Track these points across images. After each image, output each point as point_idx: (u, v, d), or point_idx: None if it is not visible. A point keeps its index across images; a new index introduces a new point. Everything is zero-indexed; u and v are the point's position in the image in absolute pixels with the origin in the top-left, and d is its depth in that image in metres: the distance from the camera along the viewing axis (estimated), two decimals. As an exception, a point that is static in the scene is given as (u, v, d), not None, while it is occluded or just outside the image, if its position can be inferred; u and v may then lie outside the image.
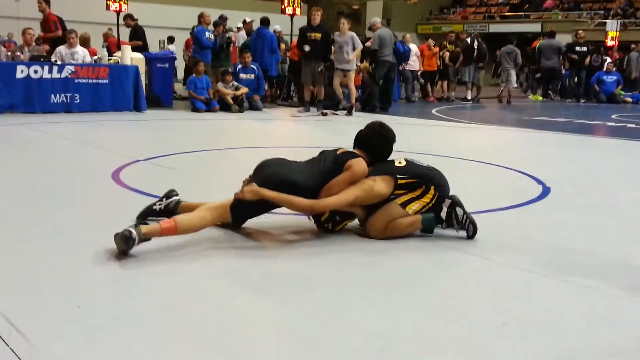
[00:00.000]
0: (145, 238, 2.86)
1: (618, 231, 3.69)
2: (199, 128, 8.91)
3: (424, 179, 3.32)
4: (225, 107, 10.74)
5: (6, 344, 2.00)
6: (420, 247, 3.24)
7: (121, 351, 2.00)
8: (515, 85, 16.51)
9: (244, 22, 14.16)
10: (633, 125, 10.59)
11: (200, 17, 11.73)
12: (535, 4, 31.46)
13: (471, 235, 3.32)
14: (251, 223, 3.42)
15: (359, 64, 12.11)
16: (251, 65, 11.54)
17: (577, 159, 6.95)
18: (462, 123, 10.58)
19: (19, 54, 9.38)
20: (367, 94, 12.33)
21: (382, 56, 11.50)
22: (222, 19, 12.42)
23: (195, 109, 10.64)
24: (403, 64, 13.84)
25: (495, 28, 29.25)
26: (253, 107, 11.23)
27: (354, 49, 10.77)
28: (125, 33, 13.49)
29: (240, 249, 3.12)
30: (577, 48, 16.38)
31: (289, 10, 15.05)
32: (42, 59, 9.41)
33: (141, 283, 2.63)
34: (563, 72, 17.04)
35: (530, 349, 2.10)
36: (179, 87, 13.69)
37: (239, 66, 11.62)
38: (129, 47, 10.78)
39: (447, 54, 15.61)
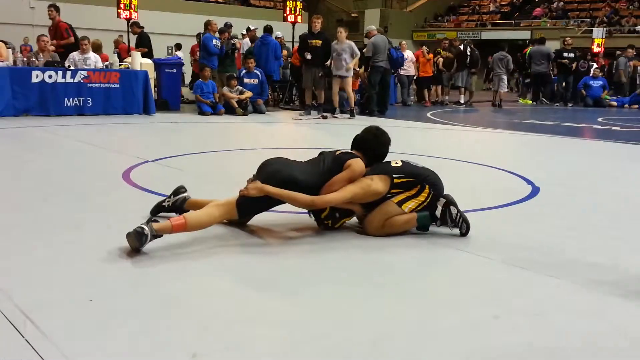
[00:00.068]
0: (157, 235, 2.87)
1: (605, 229, 3.68)
2: (205, 130, 8.91)
3: (419, 179, 3.33)
4: (230, 110, 10.75)
5: (21, 335, 2.00)
6: (416, 244, 3.24)
7: (131, 343, 2.00)
8: (506, 89, 16.51)
9: (248, 29, 14.17)
10: (618, 128, 10.59)
11: (207, 24, 11.72)
12: (525, 12, 31.45)
13: (464, 233, 3.33)
14: (255, 221, 3.42)
15: (358, 69, 12.13)
16: (255, 71, 11.55)
17: (565, 160, 6.94)
18: (455, 126, 10.58)
19: (34, 59, 9.38)
20: (365, 98, 12.36)
21: (376, 62, 11.54)
22: (227, 27, 12.43)
23: (201, 112, 10.64)
24: (398, 69, 13.85)
25: (487, 35, 29.23)
26: (257, 110, 11.23)
27: (352, 56, 10.76)
28: (133, 40, 13.50)
29: (245, 246, 3.12)
30: (565, 54, 16.41)
31: (290, 18, 15.05)
32: (56, 65, 9.41)
33: (151, 278, 2.62)
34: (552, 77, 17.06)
35: (520, 341, 2.10)
36: (186, 92, 13.68)
37: (243, 71, 11.63)
38: (139, 53, 10.77)
39: (441, 60, 15.61)
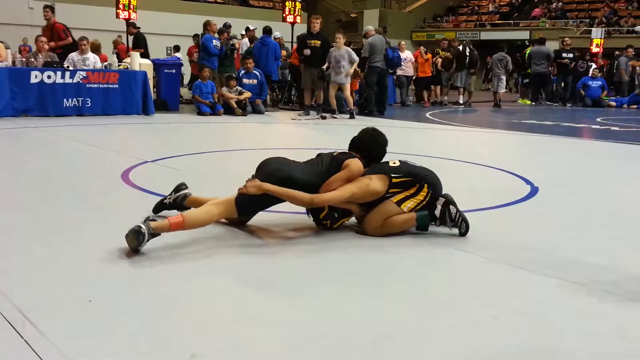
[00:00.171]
0: (154, 233, 2.86)
1: (604, 229, 3.68)
2: (204, 131, 8.91)
3: (417, 178, 3.33)
4: (229, 110, 10.74)
5: (20, 335, 2.00)
6: (415, 243, 3.24)
7: (131, 343, 2.00)
8: (505, 90, 16.53)
9: (247, 29, 14.17)
10: (617, 128, 10.60)
11: (207, 25, 11.71)
12: (524, 13, 31.47)
13: (463, 233, 3.33)
14: (254, 221, 3.42)
15: (358, 68, 12.12)
16: (254, 71, 11.55)
17: (564, 159, 6.95)
18: (454, 126, 10.58)
19: (33, 60, 9.37)
20: (364, 99, 12.36)
21: (372, 62, 11.54)
22: (226, 27, 12.43)
23: (200, 113, 10.63)
24: (395, 69, 13.84)
25: (486, 35, 29.26)
26: (256, 110, 11.24)
27: (350, 63, 10.74)
28: (131, 40, 13.48)
29: (244, 246, 3.12)
30: (564, 54, 16.41)
31: (289, 19, 15.06)
32: (55, 65, 9.40)
33: (150, 279, 2.62)
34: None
35: (520, 341, 2.10)
36: (185, 92, 13.68)
37: (242, 72, 11.63)
38: (138, 53, 10.76)
39: (440, 60, 15.62)
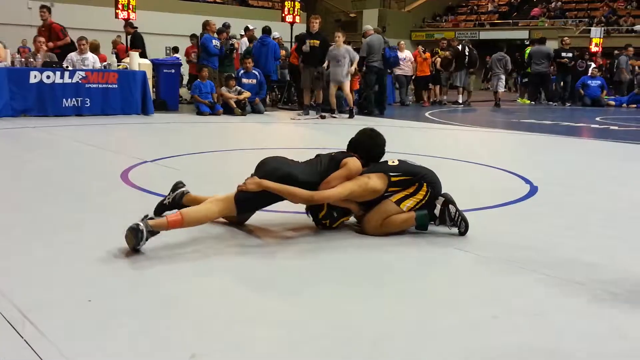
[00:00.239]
0: (153, 231, 2.86)
1: (603, 228, 3.68)
2: (203, 131, 8.91)
3: (416, 177, 3.33)
4: (228, 110, 10.74)
5: (20, 335, 2.00)
6: (414, 242, 3.24)
7: (131, 343, 2.00)
8: (504, 89, 16.54)
9: (247, 29, 14.16)
10: (616, 127, 10.61)
11: (206, 25, 11.71)
12: (523, 12, 31.48)
13: (463, 232, 3.33)
14: (253, 220, 3.43)
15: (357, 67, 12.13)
16: (253, 71, 11.56)
17: (563, 159, 6.95)
18: (453, 125, 10.59)
19: (32, 60, 9.36)
20: (363, 98, 12.36)
21: (370, 62, 11.53)
22: (226, 27, 12.43)
23: (200, 113, 10.63)
24: (393, 69, 13.83)
25: (485, 35, 29.28)
26: (255, 110, 11.24)
27: (350, 61, 10.74)
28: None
29: (244, 246, 3.11)
30: (563, 54, 16.41)
31: (289, 18, 15.06)
32: (54, 65, 9.40)
33: (150, 279, 2.62)
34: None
35: (520, 341, 2.10)
36: (184, 92, 13.69)
37: (241, 71, 11.63)
38: (137, 53, 10.75)
39: (439, 59, 15.62)
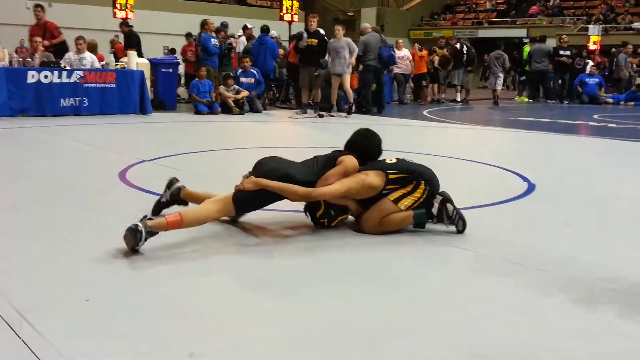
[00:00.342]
0: (152, 231, 2.85)
1: (601, 226, 3.69)
2: (201, 130, 8.90)
3: (414, 175, 3.33)
4: (226, 109, 10.73)
5: (18, 335, 2.00)
6: (412, 241, 3.24)
7: (129, 343, 2.00)
8: (502, 87, 16.55)
9: (245, 27, 14.15)
10: (614, 125, 10.61)
11: (204, 24, 11.69)
12: (521, 10, 31.48)
13: (461, 230, 3.33)
14: (251, 219, 3.42)
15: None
16: (251, 70, 11.54)
17: (561, 157, 6.95)
18: (452, 123, 10.59)
19: (29, 59, 9.35)
20: (362, 97, 12.35)
21: (366, 61, 11.52)
22: (224, 26, 12.42)
23: (198, 112, 10.62)
24: (390, 67, 13.82)
25: (483, 33, 29.26)
26: (253, 109, 11.24)
27: (350, 53, 10.77)
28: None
29: (242, 246, 3.11)
30: (561, 52, 16.41)
31: (287, 17, 15.05)
32: (51, 65, 9.39)
33: (147, 278, 2.62)
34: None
35: (519, 340, 2.10)
36: (182, 91, 13.68)
37: (239, 70, 11.62)
38: (134, 53, 10.73)
39: (437, 58, 15.62)
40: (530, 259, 2.94)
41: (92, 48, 10.85)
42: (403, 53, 14.74)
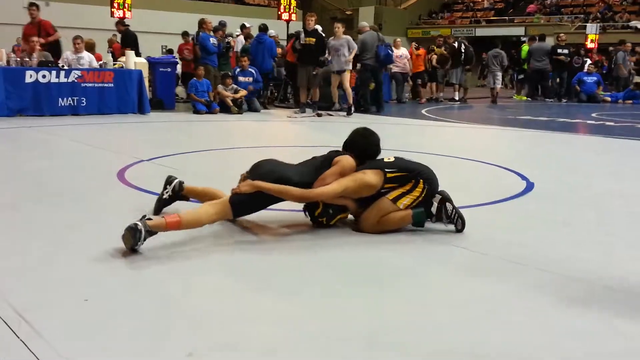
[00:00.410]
0: (151, 231, 2.85)
1: (600, 224, 3.69)
2: (200, 129, 8.90)
3: (412, 173, 3.33)
4: (225, 109, 10.73)
5: (16, 335, 2.00)
6: (411, 240, 3.24)
7: (126, 343, 2.00)
8: (500, 86, 16.56)
9: (243, 26, 14.14)
10: (612, 123, 10.62)
11: (202, 23, 11.68)
12: (519, 9, 31.50)
13: (460, 229, 3.33)
14: (250, 218, 3.42)
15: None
16: (249, 69, 11.54)
17: (559, 155, 6.96)
18: (450, 122, 10.59)
19: (27, 59, 9.33)
20: (360, 96, 12.35)
21: (363, 60, 11.51)
22: (222, 25, 12.40)
23: (196, 111, 10.62)
24: (391, 66, 13.80)
25: (481, 32, 29.28)
26: (251, 108, 11.24)
27: (349, 50, 10.76)
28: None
29: (241, 244, 3.11)
30: (559, 50, 16.43)
31: (285, 16, 15.04)
32: (49, 64, 9.37)
33: (146, 278, 2.62)
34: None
35: (518, 338, 2.10)
36: (180, 91, 13.67)
37: (237, 70, 11.61)
38: (132, 52, 10.72)
39: (435, 56, 15.62)
40: (530, 258, 2.94)
41: (90, 47, 10.84)
42: (401, 52, 14.73)
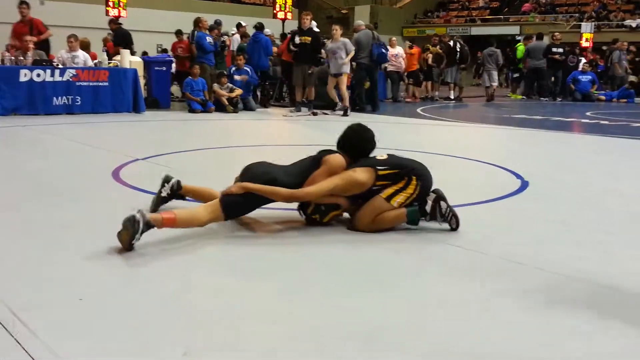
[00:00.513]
0: (149, 223, 2.85)
1: (595, 223, 3.70)
2: (195, 128, 8.88)
3: (404, 170, 3.31)
4: (220, 107, 10.72)
5: (10, 334, 1.99)
6: (405, 239, 3.24)
7: (122, 341, 1.99)
8: (496, 84, 16.59)
9: (239, 25, 14.12)
10: (606, 122, 10.65)
11: (197, 22, 11.64)
12: (514, 8, 31.56)
13: (454, 228, 3.33)
14: (247, 216, 3.41)
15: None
16: (244, 67, 11.52)
17: (554, 154, 6.98)
18: (445, 121, 10.60)
19: (21, 58, 9.30)
20: (356, 95, 12.34)
21: (358, 59, 11.49)
22: (217, 24, 12.39)
23: (191, 110, 10.60)
24: (387, 65, 13.80)
25: (476, 31, 29.34)
26: (247, 107, 11.23)
27: (346, 53, 10.74)
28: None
29: (238, 243, 3.11)
30: (554, 49, 16.46)
31: (280, 15, 15.03)
32: (44, 63, 9.34)
33: (141, 276, 2.61)
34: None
35: (517, 338, 2.10)
36: (176, 89, 13.65)
37: (233, 68, 11.60)
38: (128, 51, 10.69)
39: (430, 55, 15.64)
40: (525, 257, 2.95)
41: (85, 46, 10.80)
42: (397, 51, 14.74)
